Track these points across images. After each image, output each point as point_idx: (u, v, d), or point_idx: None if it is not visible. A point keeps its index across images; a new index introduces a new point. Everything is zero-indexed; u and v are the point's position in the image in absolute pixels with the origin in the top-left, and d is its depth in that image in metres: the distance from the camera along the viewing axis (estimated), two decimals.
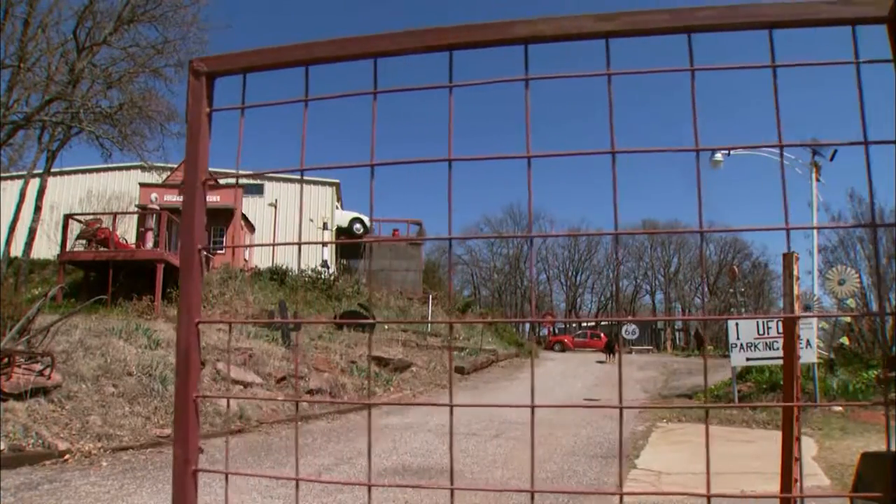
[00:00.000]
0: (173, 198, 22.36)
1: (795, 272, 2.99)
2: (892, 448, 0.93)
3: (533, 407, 1.08)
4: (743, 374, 13.81)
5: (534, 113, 1.05)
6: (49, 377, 8.21)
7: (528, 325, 54.61)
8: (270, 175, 29.95)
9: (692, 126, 1.04)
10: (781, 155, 1.18)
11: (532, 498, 1.02)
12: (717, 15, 1.01)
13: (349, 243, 31.18)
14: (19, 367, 8.05)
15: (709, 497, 1.01)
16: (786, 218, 1.05)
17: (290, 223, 30.03)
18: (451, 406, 1.10)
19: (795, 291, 2.94)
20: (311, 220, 29.97)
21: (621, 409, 1.05)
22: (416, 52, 1.10)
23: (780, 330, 10.96)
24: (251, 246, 19.92)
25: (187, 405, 1.18)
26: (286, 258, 26.21)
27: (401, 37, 1.10)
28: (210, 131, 1.18)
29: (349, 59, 1.12)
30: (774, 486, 2.92)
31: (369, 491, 1.13)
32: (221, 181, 26.28)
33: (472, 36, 1.08)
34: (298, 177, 29.09)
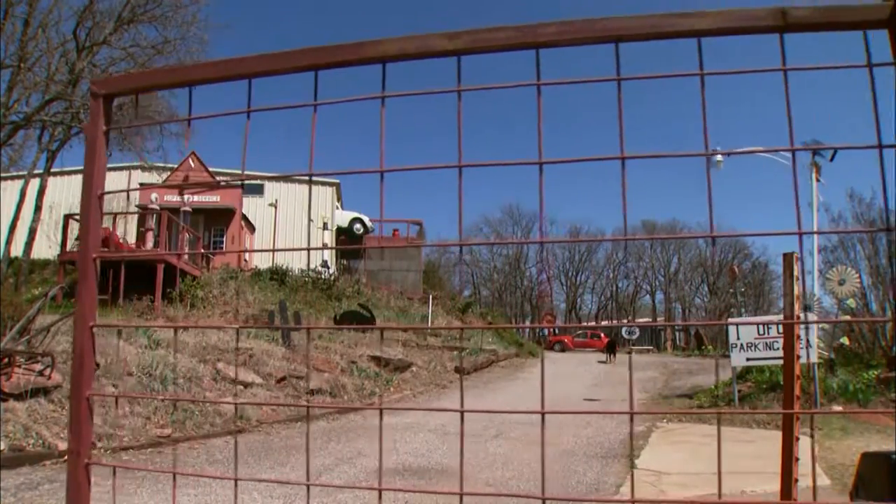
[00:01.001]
0: (173, 198, 22.36)
1: (796, 272, 2.99)
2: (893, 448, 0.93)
3: (543, 413, 1.07)
4: (743, 374, 13.81)
5: (522, 115, 1.05)
6: (49, 377, 8.21)
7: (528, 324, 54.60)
8: (265, 174, 29.90)
9: (702, 132, 1.03)
10: (794, 160, 1.18)
11: None
12: (560, 31, 1.04)
13: (354, 248, 31.13)
14: (19, 367, 8.05)
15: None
16: (798, 223, 1.05)
17: (290, 223, 30.03)
18: (462, 412, 1.09)
19: (796, 292, 2.95)
20: (312, 220, 29.97)
21: (632, 414, 1.04)
22: (285, 73, 1.17)
23: (780, 330, 10.96)
24: (256, 251, 19.89)
25: (81, 403, 1.26)
26: (286, 258, 26.21)
27: (269, 59, 1.19)
28: (107, 148, 1.28)
29: (223, 81, 1.21)
30: (774, 486, 2.92)
31: (380, 495, 1.12)
32: (224, 181, 26.29)
33: (332, 56, 1.15)
34: (298, 177, 29.09)
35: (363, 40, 1.12)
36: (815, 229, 13.50)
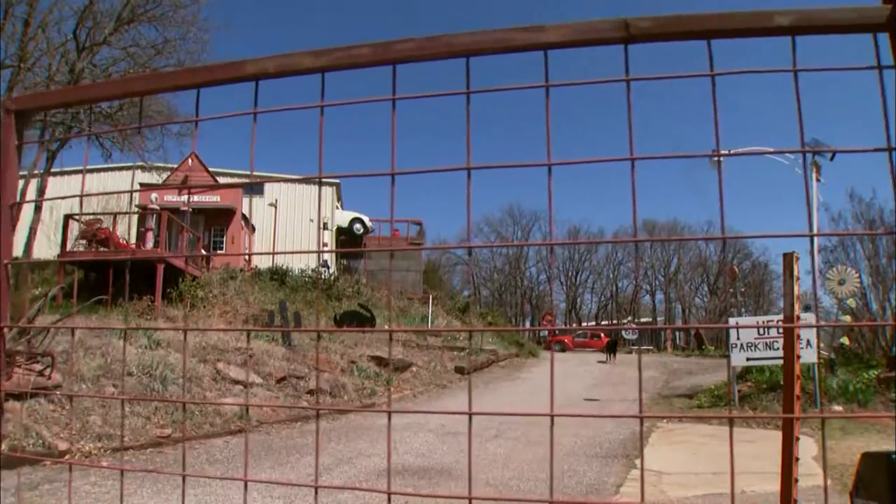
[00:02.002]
0: (173, 198, 22.37)
1: (796, 272, 2.99)
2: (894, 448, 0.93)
3: (552, 416, 1.07)
4: (743, 374, 13.81)
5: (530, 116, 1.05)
6: (49, 377, 8.21)
7: (528, 324, 54.54)
8: (270, 175, 29.97)
9: (714, 133, 1.03)
10: (805, 162, 1.18)
11: None
12: (416, 47, 1.10)
13: (355, 251, 31.15)
14: (19, 367, 8.05)
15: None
16: (809, 225, 1.05)
17: (290, 223, 30.03)
18: (470, 414, 1.09)
19: (796, 292, 2.94)
20: (311, 221, 29.97)
21: (641, 418, 1.04)
22: (169, 91, 1.35)
23: (780, 330, 10.96)
24: (257, 254, 19.93)
25: None
26: (286, 258, 26.21)
27: (156, 78, 1.33)
28: (19, 162, 1.38)
29: (118, 98, 1.35)
30: (774, 486, 2.92)
31: (389, 499, 1.12)
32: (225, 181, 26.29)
33: (211, 75, 1.23)
34: (299, 177, 29.09)
35: (240, 60, 1.20)
36: (815, 229, 13.46)
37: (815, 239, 13.49)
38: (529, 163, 1.12)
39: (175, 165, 25.05)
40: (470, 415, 1.10)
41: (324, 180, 31.92)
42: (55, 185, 24.67)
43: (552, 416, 1.07)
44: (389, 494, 1.11)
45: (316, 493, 1.19)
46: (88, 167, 27.91)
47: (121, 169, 27.65)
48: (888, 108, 0.99)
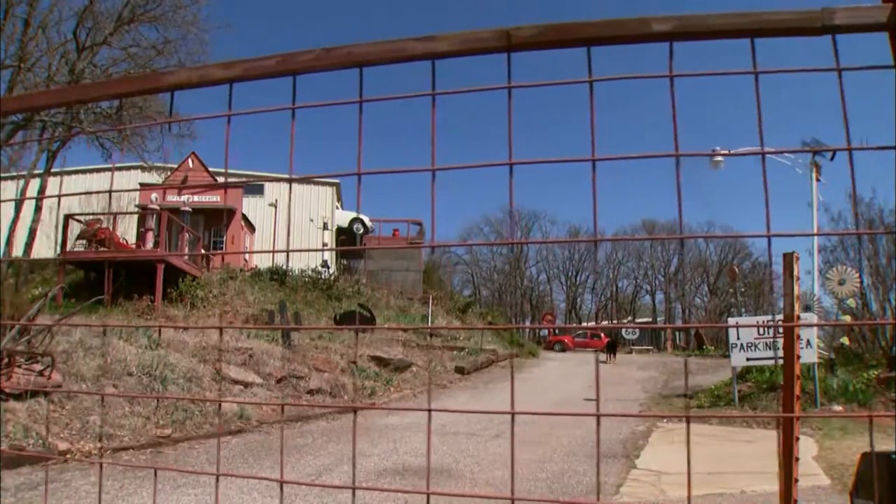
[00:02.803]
0: (173, 198, 22.37)
1: (796, 272, 2.99)
2: (893, 448, 0.93)
3: (513, 413, 1.08)
4: (743, 374, 13.81)
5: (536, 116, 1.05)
6: (49, 377, 8.21)
7: (528, 323, 54.58)
8: (271, 175, 29.96)
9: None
10: (815, 165, 1.18)
11: None
12: (315, 58, 1.15)
13: (354, 249, 31.12)
14: (19, 367, 8.06)
15: None
16: (815, 226, 1.06)
17: (290, 223, 30.01)
18: (513, 413, 1.10)
19: (796, 292, 2.95)
20: (311, 221, 29.97)
21: (689, 419, 1.04)
22: (98, 101, 1.45)
23: (781, 330, 10.95)
24: (256, 252, 19.91)
25: None
26: (286, 258, 26.22)
27: (83, 88, 1.45)
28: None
29: (57, 107, 1.37)
30: (774, 486, 2.92)
31: (428, 499, 1.13)
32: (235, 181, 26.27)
33: (131, 86, 1.32)
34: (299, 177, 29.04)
35: (159, 72, 1.36)
36: (815, 229, 13.51)
37: (815, 239, 13.40)
38: (489, 163, 1.15)
39: (175, 165, 25.06)
40: (429, 411, 1.11)
41: (324, 180, 31.94)
42: (55, 186, 24.67)
43: (512, 415, 1.08)
44: (428, 495, 1.11)
45: (353, 493, 1.20)
46: (87, 167, 27.94)
47: (120, 169, 27.68)
48: (864, 106, 0.99)
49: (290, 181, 1.39)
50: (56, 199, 24.22)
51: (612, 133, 69.80)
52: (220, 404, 9.61)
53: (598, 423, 1.13)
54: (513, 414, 1.09)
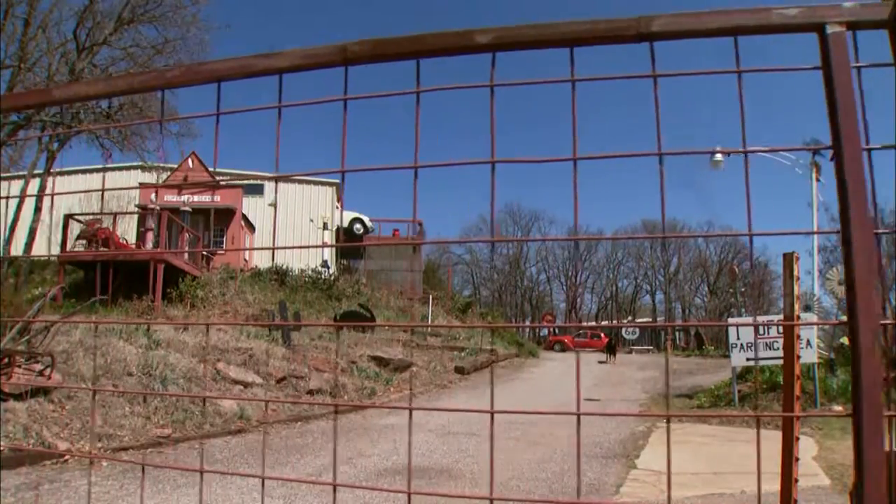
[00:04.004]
0: (173, 198, 22.37)
1: (796, 272, 2.99)
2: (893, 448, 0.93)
3: (492, 413, 1.08)
4: (743, 374, 13.81)
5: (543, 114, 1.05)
6: (49, 377, 8.21)
7: (528, 324, 54.53)
8: (259, 174, 29.93)
9: (702, 133, 1.04)
10: (815, 165, 1.18)
11: None
12: (181, 73, 1.26)
13: (353, 245, 31.21)
14: (19, 367, 8.06)
15: None
16: (815, 226, 1.07)
17: (290, 223, 30.03)
18: (493, 413, 1.10)
19: (796, 292, 2.95)
20: (311, 221, 29.97)
21: (578, 415, 1.04)
22: (35, 108, 1.48)
23: (780, 330, 10.96)
24: (256, 248, 19.90)
25: None
26: (286, 258, 26.23)
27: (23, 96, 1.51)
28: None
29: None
30: (774, 486, 2.92)
31: (409, 499, 1.13)
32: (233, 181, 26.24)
33: (23, 101, 1.47)
34: (300, 177, 29.07)
35: (47, 87, 1.46)
36: (815, 229, 13.52)
37: (815, 238, 13.35)
38: (473, 160, 1.19)
39: (175, 165, 25.06)
40: (492, 413, 1.10)
41: (323, 180, 31.92)
42: (55, 186, 24.67)
43: (492, 413, 1.08)
44: (409, 494, 1.12)
45: (334, 489, 1.20)
46: (87, 167, 27.93)
47: (120, 169, 27.68)
48: (863, 106, 0.99)
49: (276, 180, 1.40)
50: (56, 199, 24.25)
51: (622, 133, 69.85)
52: (204, 400, 9.61)
53: (579, 421, 1.13)
54: (492, 413, 1.10)
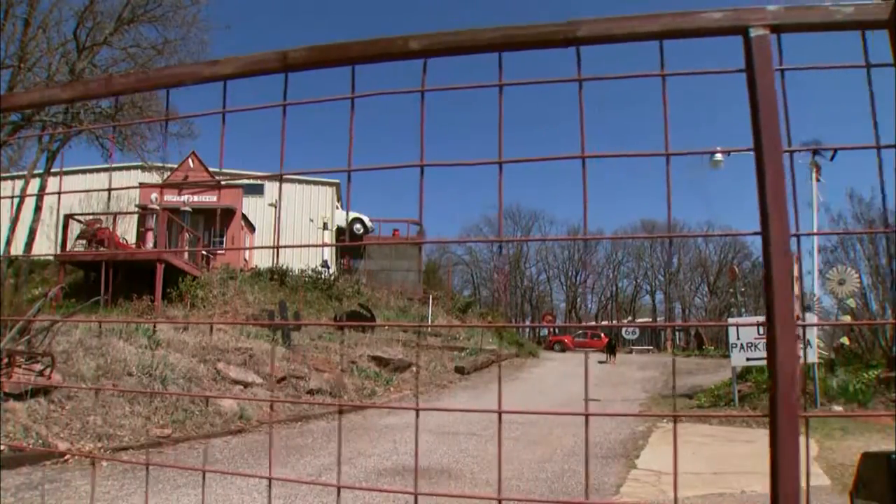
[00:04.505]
0: (173, 198, 22.37)
1: (796, 272, 2.99)
2: (893, 448, 0.94)
3: (500, 413, 1.08)
4: (743, 374, 13.81)
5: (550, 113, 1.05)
6: (49, 377, 8.21)
7: (528, 323, 54.53)
8: (271, 175, 29.90)
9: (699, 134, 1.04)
10: (815, 165, 1.19)
11: None
12: (134, 81, 1.32)
13: (354, 244, 31.17)
14: (19, 367, 8.06)
15: None
16: (815, 226, 1.08)
17: (290, 223, 30.03)
18: (500, 412, 1.10)
19: (796, 292, 2.94)
20: (311, 221, 29.97)
21: (587, 415, 1.04)
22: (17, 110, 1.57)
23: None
24: (255, 248, 19.93)
25: None
26: (286, 258, 26.22)
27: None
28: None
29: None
30: None
31: (416, 500, 1.13)
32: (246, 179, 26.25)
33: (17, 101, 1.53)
34: (300, 177, 29.09)
35: (4, 94, 1.51)
36: (815, 229, 13.50)
37: (815, 238, 13.38)
38: (478, 161, 1.20)
39: (175, 165, 25.06)
40: (500, 413, 1.11)
41: (323, 180, 31.91)
42: (55, 185, 24.68)
43: (500, 413, 1.08)
44: (416, 495, 1.12)
45: (339, 492, 1.19)
46: (87, 167, 27.92)
47: (120, 169, 27.67)
48: (877, 107, 1.00)
49: (280, 179, 1.40)
50: (56, 200, 24.24)
51: (631, 132, 69.84)
52: (207, 400, 9.61)
53: (587, 422, 1.13)
54: (500, 413, 1.10)
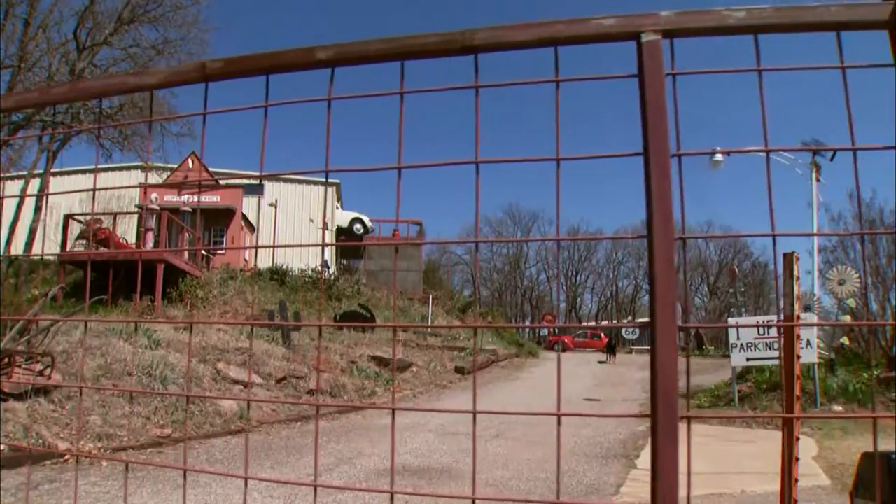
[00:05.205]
0: (173, 198, 22.37)
1: (796, 272, 2.99)
2: (893, 448, 0.94)
3: (475, 413, 1.08)
4: (743, 374, 13.82)
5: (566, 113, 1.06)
6: (49, 377, 8.21)
7: (528, 323, 54.61)
8: (271, 175, 29.91)
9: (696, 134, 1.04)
10: (815, 165, 1.19)
11: None
12: (68, 90, 1.47)
13: (354, 244, 31.19)
14: (19, 367, 8.06)
15: None
16: (815, 226, 1.08)
17: (290, 223, 30.03)
18: (475, 413, 1.10)
19: (796, 292, 2.95)
20: (312, 221, 29.97)
21: (559, 416, 1.04)
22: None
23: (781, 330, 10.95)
24: (255, 247, 19.96)
25: None
26: (286, 258, 26.23)
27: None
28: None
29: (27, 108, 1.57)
30: (774, 486, 2.92)
31: (392, 499, 1.14)
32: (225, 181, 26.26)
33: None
34: (300, 177, 29.07)
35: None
36: (815, 229, 13.52)
37: (815, 238, 13.37)
38: (456, 160, 1.23)
39: (175, 165, 25.05)
40: (394, 409, 1.11)
41: (323, 180, 31.83)
42: (55, 185, 24.68)
43: (474, 414, 1.08)
44: (392, 494, 1.12)
45: (315, 492, 1.20)
46: (87, 168, 27.92)
47: (121, 169, 27.66)
48: (863, 106, 1.00)
49: (260, 178, 1.41)
50: (56, 199, 24.24)
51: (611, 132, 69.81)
52: (206, 400, 9.60)
53: (559, 423, 1.13)
54: (474, 413, 1.12)
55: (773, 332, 11.84)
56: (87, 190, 1.60)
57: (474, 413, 1.12)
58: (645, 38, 1.00)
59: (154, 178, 25.07)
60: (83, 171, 28.09)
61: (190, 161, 25.26)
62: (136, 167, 25.55)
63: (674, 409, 0.94)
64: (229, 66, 1.25)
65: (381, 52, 1.14)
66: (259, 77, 1.25)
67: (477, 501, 1.07)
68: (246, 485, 1.32)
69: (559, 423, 1.09)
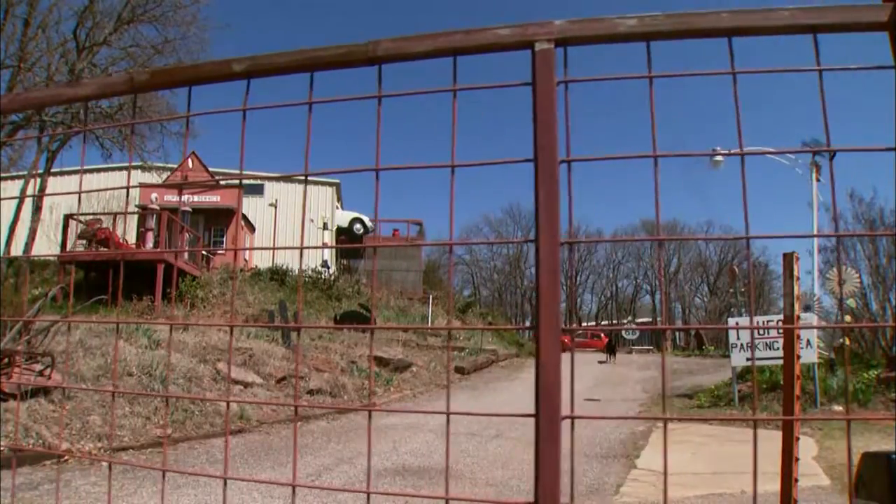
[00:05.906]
0: (173, 198, 22.37)
1: (796, 272, 2.99)
2: (893, 448, 0.94)
3: (448, 414, 1.08)
4: (743, 374, 13.82)
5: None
6: (49, 377, 8.21)
7: (527, 323, 54.64)
8: (271, 175, 29.94)
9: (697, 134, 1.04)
10: (815, 166, 1.19)
11: None
12: (43, 96, 1.49)
13: (354, 246, 31.08)
14: (19, 367, 8.05)
15: None
16: (815, 226, 1.08)
17: (290, 223, 30.03)
18: (448, 414, 1.11)
19: (796, 292, 2.94)
20: (312, 221, 29.96)
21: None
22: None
23: (781, 330, 10.95)
24: (255, 248, 19.93)
25: None
26: (286, 258, 26.23)
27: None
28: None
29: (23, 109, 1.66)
30: (774, 486, 2.92)
31: (368, 499, 1.15)
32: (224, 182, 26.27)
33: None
34: (300, 177, 29.06)
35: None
36: (815, 230, 13.53)
37: (815, 238, 13.37)
38: (432, 164, 1.26)
39: (175, 165, 25.05)
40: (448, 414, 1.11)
41: (324, 180, 31.90)
42: (55, 186, 24.68)
43: (448, 415, 1.08)
44: (368, 494, 1.14)
45: (294, 491, 1.20)
46: (88, 167, 27.91)
47: (121, 169, 27.65)
48: (865, 106, 1.00)
49: (240, 180, 1.42)
50: (56, 199, 24.25)
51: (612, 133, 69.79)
52: (180, 397, 9.60)
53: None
54: (448, 414, 1.15)
55: (773, 332, 11.84)
56: (74, 192, 1.62)
57: (447, 414, 1.15)
58: (538, 46, 1.03)
59: (154, 178, 25.06)
60: (84, 171, 28.03)
61: (190, 161, 25.27)
62: (136, 167, 25.53)
63: (556, 408, 0.98)
64: (155, 78, 1.32)
65: (291, 64, 1.19)
66: (283, 77, 1.26)
67: (451, 501, 1.10)
68: (225, 484, 1.33)
69: (573, 426, 1.10)
